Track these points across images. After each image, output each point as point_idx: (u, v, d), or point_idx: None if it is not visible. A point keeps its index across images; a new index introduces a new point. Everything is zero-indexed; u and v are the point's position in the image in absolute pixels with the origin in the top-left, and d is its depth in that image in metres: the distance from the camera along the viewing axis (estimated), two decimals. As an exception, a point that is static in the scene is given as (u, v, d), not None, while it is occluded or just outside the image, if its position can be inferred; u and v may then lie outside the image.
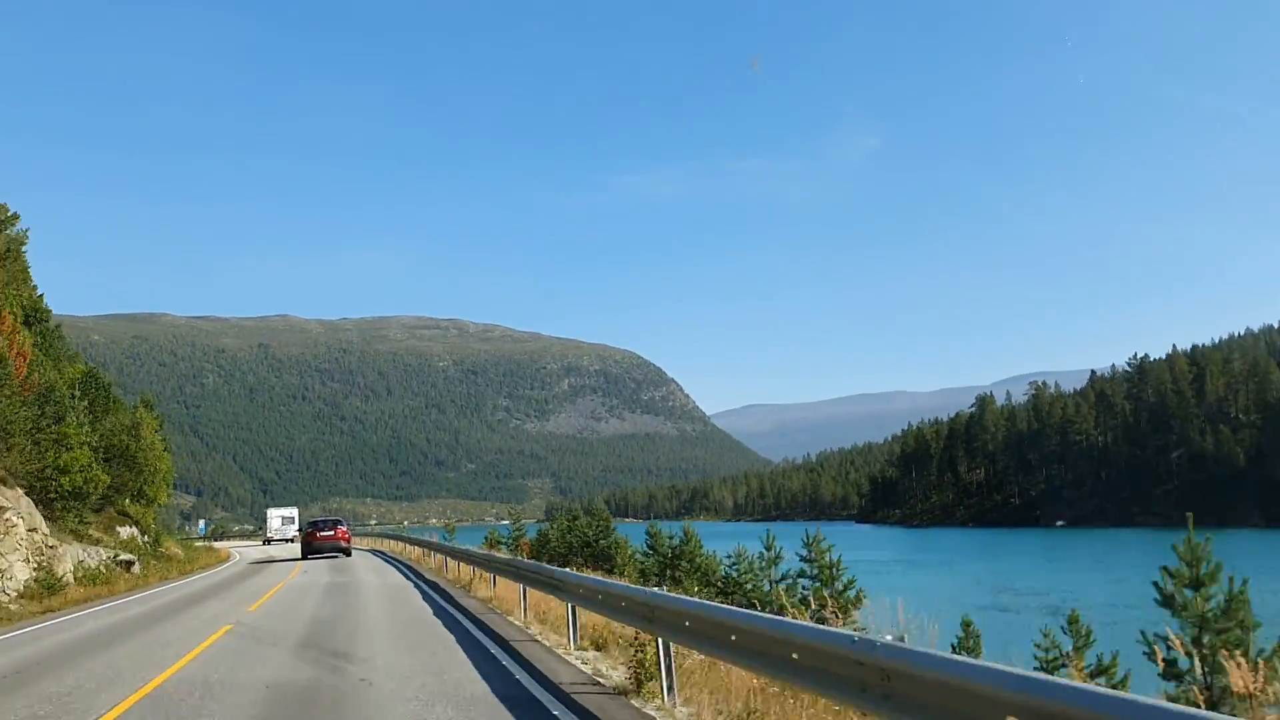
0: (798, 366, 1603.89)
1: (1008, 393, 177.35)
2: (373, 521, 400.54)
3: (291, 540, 72.01)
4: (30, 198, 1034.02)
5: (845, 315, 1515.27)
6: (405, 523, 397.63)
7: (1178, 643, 11.93)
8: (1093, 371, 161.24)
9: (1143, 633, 13.75)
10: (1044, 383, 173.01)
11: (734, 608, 7.70)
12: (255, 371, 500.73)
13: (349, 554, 41.33)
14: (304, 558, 40.40)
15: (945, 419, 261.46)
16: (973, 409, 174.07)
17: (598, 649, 12.29)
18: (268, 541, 72.65)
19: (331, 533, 40.85)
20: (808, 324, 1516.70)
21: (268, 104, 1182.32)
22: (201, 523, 72.43)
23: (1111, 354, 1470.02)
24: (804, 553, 22.79)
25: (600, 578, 13.47)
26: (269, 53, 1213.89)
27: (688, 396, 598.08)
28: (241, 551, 60.50)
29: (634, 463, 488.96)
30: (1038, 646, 17.46)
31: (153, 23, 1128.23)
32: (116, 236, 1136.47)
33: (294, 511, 77.72)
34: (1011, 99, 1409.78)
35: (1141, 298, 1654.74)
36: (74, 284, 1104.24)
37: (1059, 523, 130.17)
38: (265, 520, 77.58)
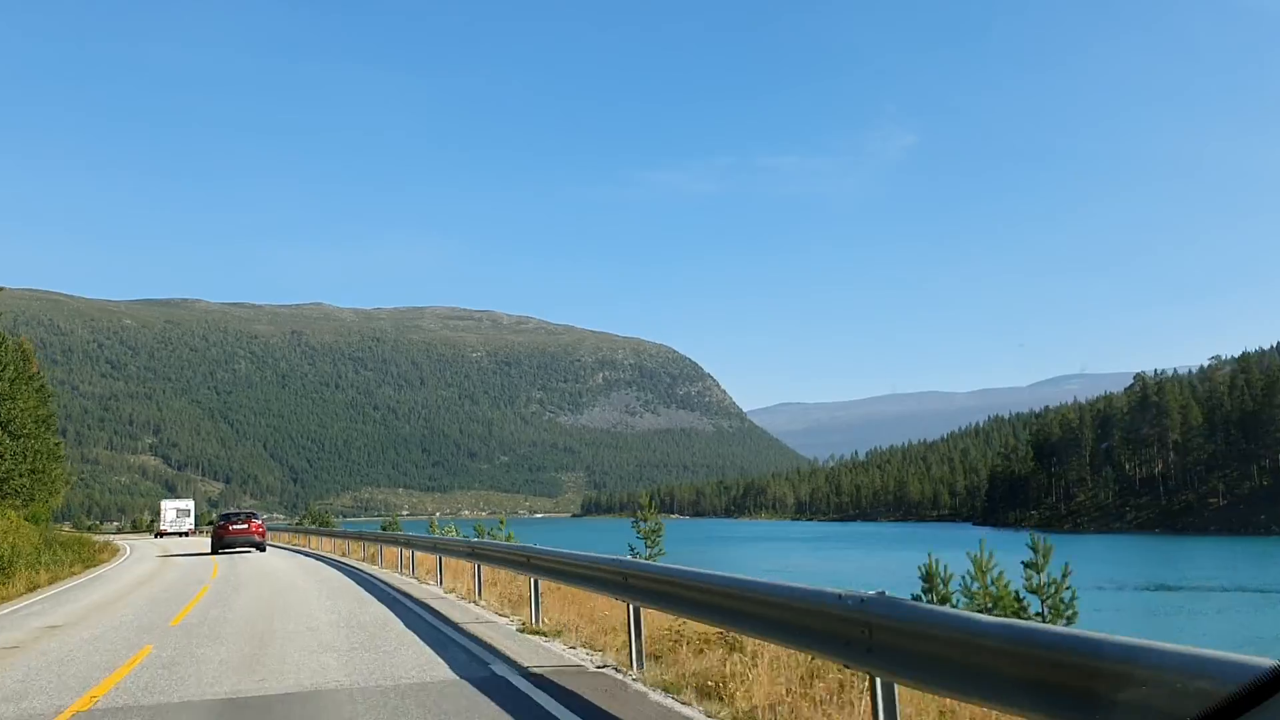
0: (831, 365, 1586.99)
1: (1147, 376, 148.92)
2: (404, 512, 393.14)
3: (186, 534, 70.26)
4: (67, 182, 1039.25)
5: (879, 313, 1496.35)
6: (437, 514, 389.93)
7: None
8: (1141, 375, 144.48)
9: None
10: (1149, 373, 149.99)
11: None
12: (288, 358, 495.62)
13: (263, 549, 39.11)
14: (214, 552, 38.24)
15: (1043, 407, 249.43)
16: (1131, 388, 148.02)
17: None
18: (159, 535, 69.81)
19: (245, 526, 39.15)
20: (842, 322, 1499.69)
21: (307, 94, 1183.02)
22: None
23: (1151, 358, 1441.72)
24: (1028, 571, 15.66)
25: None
26: (308, 42, 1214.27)
27: (724, 392, 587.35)
28: (133, 545, 54.40)
29: (669, 458, 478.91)
30: None
31: (196, 10, 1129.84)
32: (152, 222, 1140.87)
33: (190, 504, 75.76)
34: (1049, 99, 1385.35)
35: (1178, 302, 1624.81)
36: (109, 268, 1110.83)
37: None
38: (159, 511, 75.51)
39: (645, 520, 24.04)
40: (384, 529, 38.88)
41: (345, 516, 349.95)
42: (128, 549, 47.81)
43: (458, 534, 27.87)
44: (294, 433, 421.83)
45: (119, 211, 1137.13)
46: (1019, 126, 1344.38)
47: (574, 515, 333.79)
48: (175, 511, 73.55)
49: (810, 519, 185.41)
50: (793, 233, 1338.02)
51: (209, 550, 39.75)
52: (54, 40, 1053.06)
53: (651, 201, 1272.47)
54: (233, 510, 44.99)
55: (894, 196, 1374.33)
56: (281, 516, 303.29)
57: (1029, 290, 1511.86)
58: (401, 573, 23.22)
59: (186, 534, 71.70)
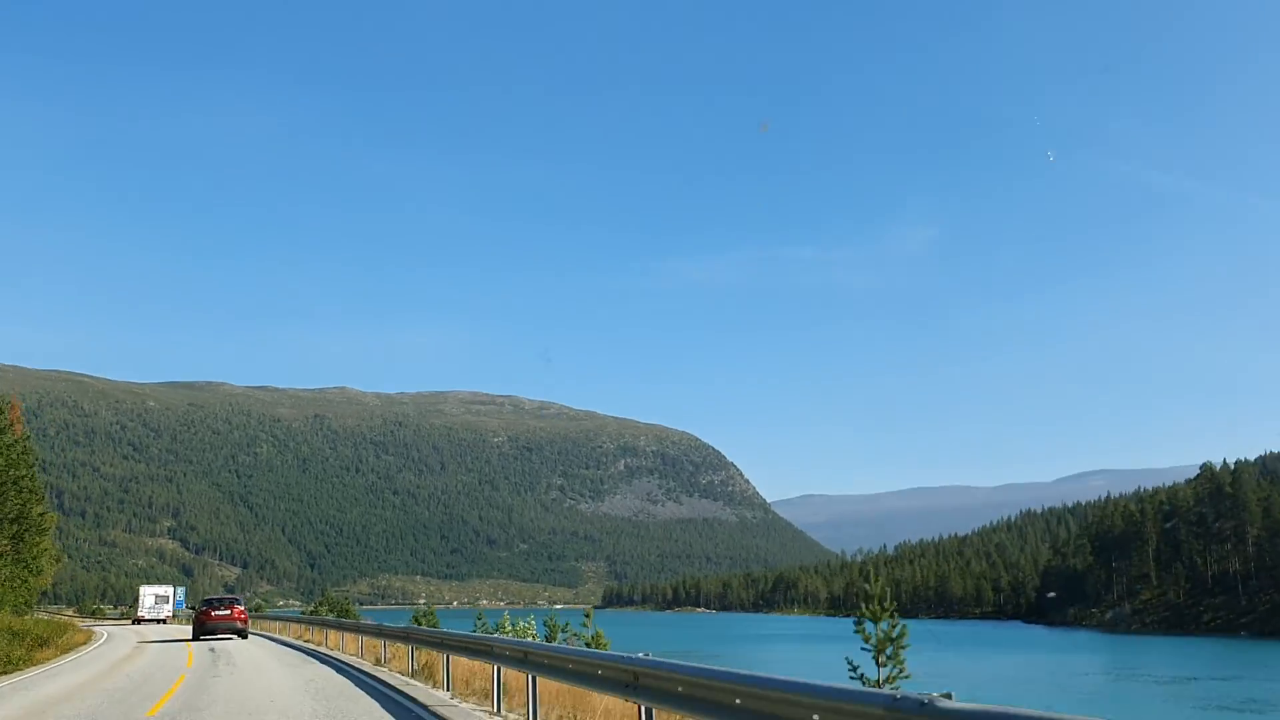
0: (854, 457, 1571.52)
1: (1214, 465, 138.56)
2: (421, 600, 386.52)
3: (164, 620, 69.53)
4: (92, 263, 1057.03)
5: (902, 406, 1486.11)
6: (454, 603, 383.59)
7: None
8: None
9: None
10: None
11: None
12: (310, 442, 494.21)
13: (244, 635, 38.94)
14: (195, 638, 37.90)
15: (1071, 502, 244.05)
16: (1195, 480, 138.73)
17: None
18: (137, 621, 68.86)
19: (227, 612, 38.76)
20: (864, 414, 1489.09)
21: (331, 180, 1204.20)
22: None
23: (1172, 454, 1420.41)
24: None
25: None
26: (330, 128, 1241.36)
27: (748, 482, 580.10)
28: (109, 632, 52.24)
29: (692, 549, 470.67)
30: None
31: (223, 95, 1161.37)
32: (177, 306, 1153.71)
33: (169, 590, 74.86)
34: (1074, 195, 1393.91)
35: (1203, 399, 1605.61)
36: (133, 351, 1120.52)
37: None
38: (139, 597, 74.30)
39: (875, 619, 16.75)
40: (416, 621, 35.18)
41: (362, 604, 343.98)
42: (104, 634, 45.57)
43: (526, 629, 24.16)
44: (313, 517, 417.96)
45: (144, 294, 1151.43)
46: (1037, 223, 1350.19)
47: (596, 607, 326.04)
48: (154, 597, 72.15)
49: (846, 615, 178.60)
50: (813, 323, 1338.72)
51: (189, 637, 38.96)
52: (83, 119, 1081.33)
53: (671, 290, 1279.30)
54: (215, 596, 43.24)
55: (915, 289, 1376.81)
56: (297, 603, 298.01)
57: (1052, 385, 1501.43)
58: (450, 691, 16.76)
59: (164, 620, 70.59)
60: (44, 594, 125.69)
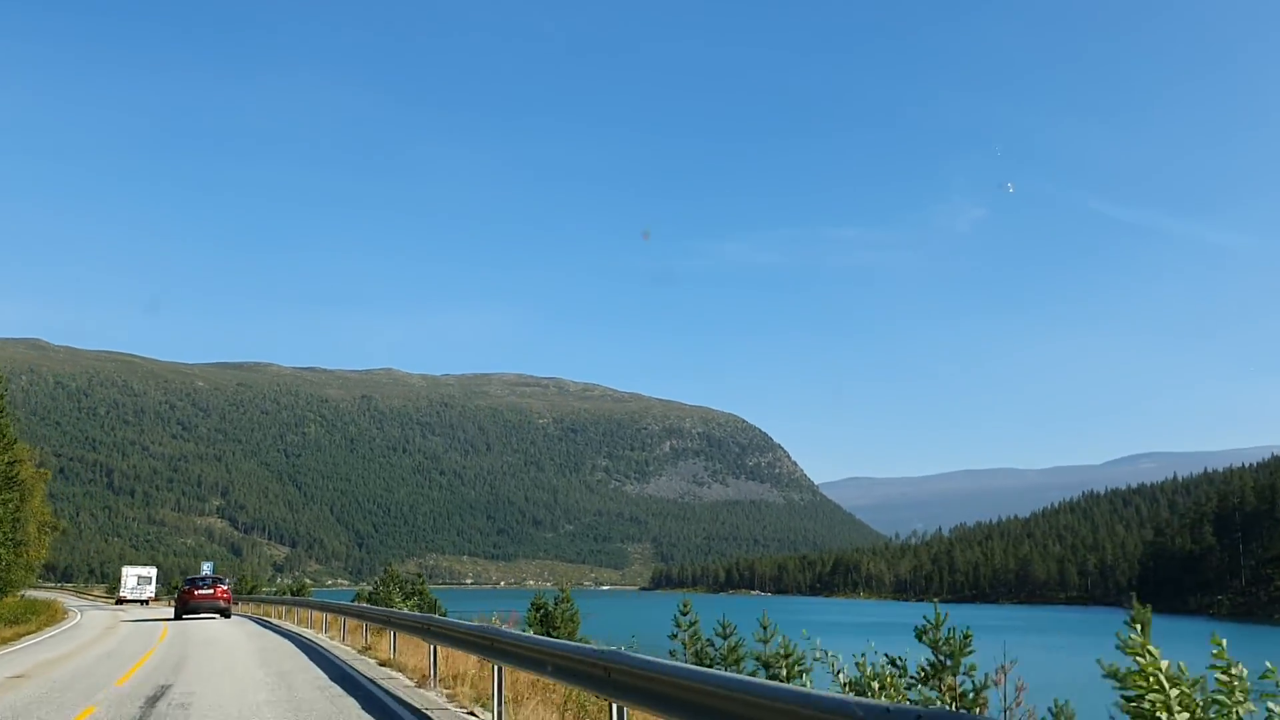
0: (900, 439, 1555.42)
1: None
2: (468, 580, 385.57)
3: (147, 602, 70.00)
4: (146, 246, 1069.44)
5: (949, 387, 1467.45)
6: (501, 583, 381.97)
7: None
8: None
9: None
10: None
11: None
12: (357, 423, 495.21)
13: (228, 615, 38.20)
14: (178, 618, 36.90)
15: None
16: None
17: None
18: (120, 601, 69.12)
19: (211, 591, 38.18)
20: (910, 395, 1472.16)
21: (379, 168, 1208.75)
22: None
23: (1226, 438, 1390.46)
24: None
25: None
26: (379, 116, 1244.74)
27: (795, 464, 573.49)
28: (87, 613, 50.85)
29: (739, 531, 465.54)
30: None
31: (273, 88, 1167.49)
32: (227, 288, 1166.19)
33: (152, 571, 75.52)
34: (1115, 171, 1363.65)
35: (1257, 382, 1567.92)
36: (183, 332, 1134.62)
37: None
38: (122, 577, 75.11)
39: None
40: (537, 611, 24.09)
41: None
42: (77, 615, 44.52)
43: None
44: (361, 497, 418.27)
45: (195, 277, 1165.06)
46: (1085, 202, 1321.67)
47: (642, 589, 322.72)
48: (136, 578, 72.72)
49: (913, 599, 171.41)
50: (858, 304, 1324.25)
51: (170, 617, 37.96)
52: (134, 108, 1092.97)
53: (715, 271, 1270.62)
54: (199, 575, 44.49)
55: (962, 270, 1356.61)
56: (346, 583, 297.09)
57: (1102, 366, 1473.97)
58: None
59: (146, 601, 70.90)
60: (50, 569, 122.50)
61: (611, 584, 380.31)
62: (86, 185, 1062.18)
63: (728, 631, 11.45)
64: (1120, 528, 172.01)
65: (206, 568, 53.43)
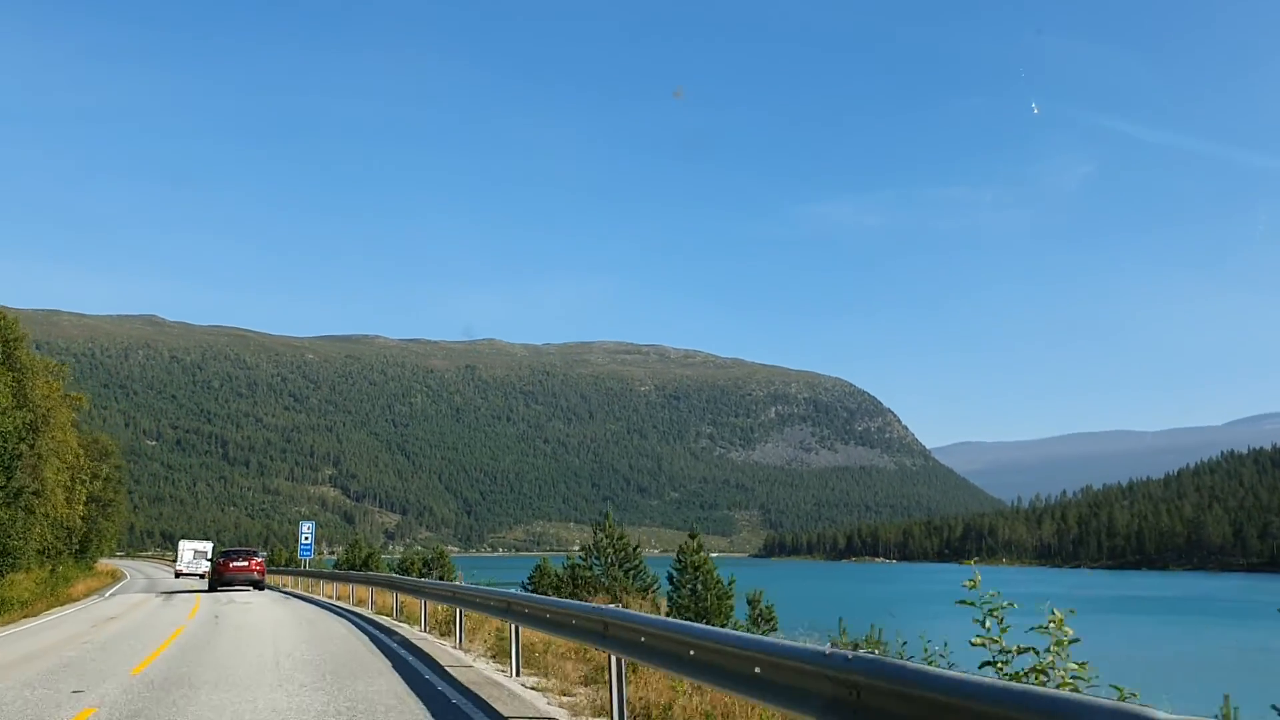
0: (1010, 402, 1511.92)
1: None
2: (575, 547, 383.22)
3: (203, 576, 68.41)
4: (257, 224, 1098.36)
5: (1060, 348, 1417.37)
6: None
7: None
8: None
9: None
10: None
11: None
12: (462, 392, 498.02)
13: (261, 587, 38.35)
14: (212, 589, 37.51)
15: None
16: None
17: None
18: (179, 574, 69.34)
19: (245, 563, 38.28)
20: (1020, 357, 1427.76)
21: (480, 142, 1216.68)
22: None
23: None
24: None
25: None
26: (483, 93, 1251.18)
27: (906, 428, 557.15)
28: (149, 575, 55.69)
29: (849, 497, 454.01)
30: None
31: (376, 63, 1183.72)
32: (336, 263, 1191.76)
33: (208, 546, 75.42)
34: (1233, 113, 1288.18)
35: None
36: (293, 307, 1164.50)
37: None
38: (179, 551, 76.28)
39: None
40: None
41: (517, 550, 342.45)
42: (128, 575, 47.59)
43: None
44: (467, 465, 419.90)
45: (305, 252, 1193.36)
46: (1202, 151, 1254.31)
47: (753, 556, 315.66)
48: (192, 553, 73.18)
49: (1060, 564, 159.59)
50: (963, 265, 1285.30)
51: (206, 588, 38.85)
52: (247, 92, 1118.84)
53: (816, 235, 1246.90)
54: (234, 548, 45.20)
55: (1070, 227, 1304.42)
56: (456, 549, 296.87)
57: (1220, 323, 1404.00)
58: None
59: (203, 575, 71.22)
60: (167, 537, 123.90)
61: (720, 551, 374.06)
62: (198, 165, 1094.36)
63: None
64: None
65: (306, 528, 47.91)
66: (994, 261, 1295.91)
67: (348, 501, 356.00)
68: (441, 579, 38.23)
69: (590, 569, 28.85)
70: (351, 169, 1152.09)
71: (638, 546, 30.94)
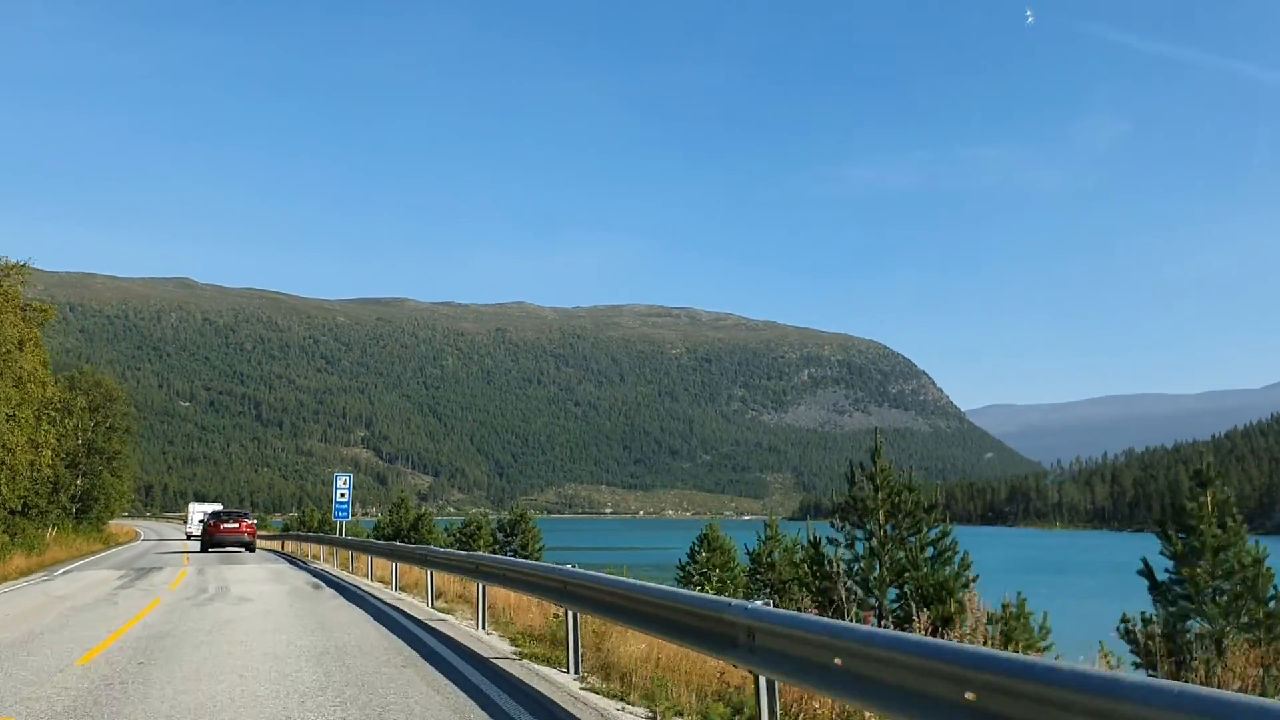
0: (1041, 364, 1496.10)
1: None
2: (608, 510, 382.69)
3: None
4: (289, 187, 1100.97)
5: (1093, 310, 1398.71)
6: (640, 513, 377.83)
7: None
8: None
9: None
10: None
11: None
12: (492, 355, 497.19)
13: (252, 549, 38.31)
14: (204, 550, 37.64)
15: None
16: None
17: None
18: (189, 536, 69.66)
19: (235, 525, 38.68)
20: (1053, 319, 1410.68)
21: (509, 106, 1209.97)
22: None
23: None
24: None
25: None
26: (510, 59, 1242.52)
27: (940, 390, 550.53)
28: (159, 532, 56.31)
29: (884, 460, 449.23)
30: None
31: (406, 32, 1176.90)
32: (367, 227, 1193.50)
33: (218, 509, 69.21)
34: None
35: None
36: (325, 270, 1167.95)
37: None
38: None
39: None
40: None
41: (550, 513, 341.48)
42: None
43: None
44: (499, 428, 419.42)
45: (337, 216, 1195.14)
46: (1241, 106, 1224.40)
47: (788, 519, 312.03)
48: (202, 514, 71.04)
49: (1118, 528, 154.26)
50: (997, 225, 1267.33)
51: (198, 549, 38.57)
52: (282, 57, 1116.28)
53: (849, 197, 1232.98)
54: (225, 510, 44.94)
55: (1106, 187, 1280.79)
56: (489, 511, 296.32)
57: (1258, 284, 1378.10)
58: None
59: None
60: (200, 498, 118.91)
61: (753, 514, 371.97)
62: (231, 129, 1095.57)
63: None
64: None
65: (342, 481, 44.22)
66: (1029, 222, 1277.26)
67: (380, 463, 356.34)
68: (526, 553, 32.86)
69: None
70: (383, 133, 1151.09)
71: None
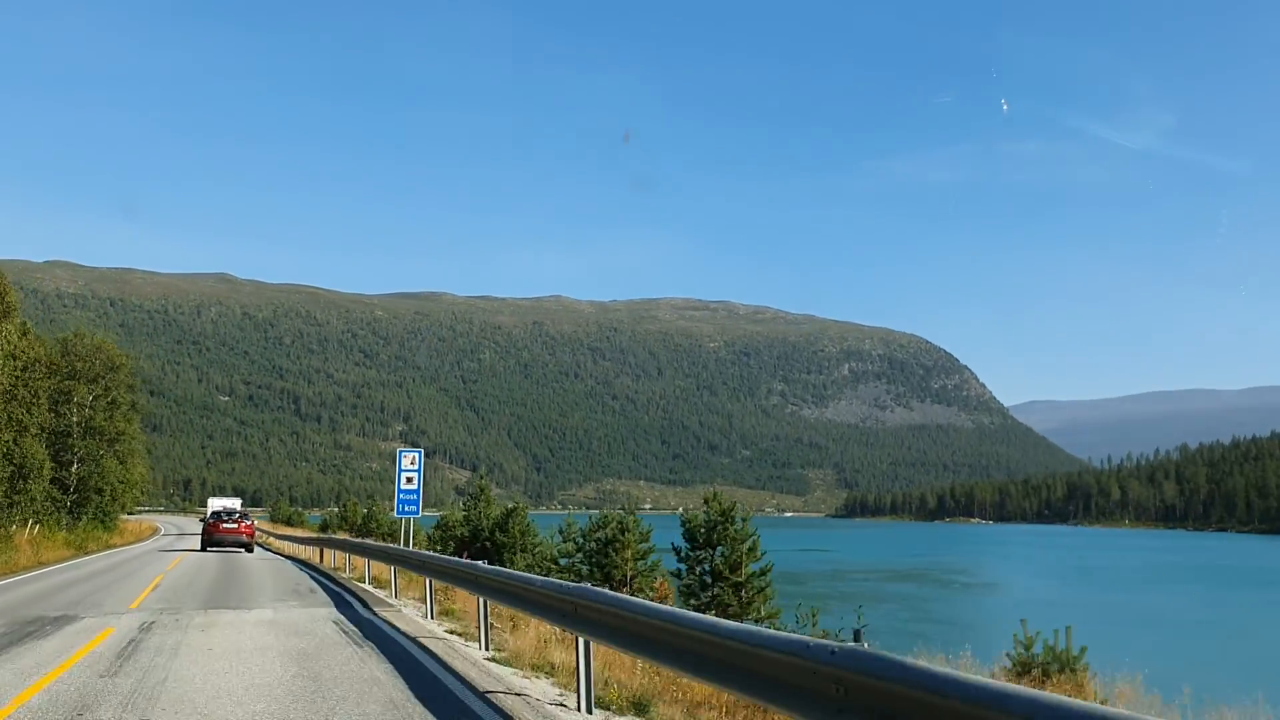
0: (1083, 360, 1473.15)
1: None
2: (647, 505, 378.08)
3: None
4: (328, 184, 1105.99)
5: (1136, 304, 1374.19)
6: (680, 509, 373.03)
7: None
8: None
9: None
10: None
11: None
12: (530, 349, 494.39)
13: (250, 550, 37.72)
14: (203, 549, 37.18)
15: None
16: None
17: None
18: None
19: (235, 526, 38.09)
20: (1094, 314, 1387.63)
21: (544, 102, 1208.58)
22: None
23: None
24: None
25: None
26: (545, 54, 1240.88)
27: (983, 386, 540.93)
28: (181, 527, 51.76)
29: (927, 456, 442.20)
30: None
31: (442, 26, 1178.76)
32: (404, 222, 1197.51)
33: (236, 503, 70.86)
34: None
35: None
36: (363, 265, 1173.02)
37: None
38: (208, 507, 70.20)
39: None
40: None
41: (587, 509, 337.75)
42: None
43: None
44: (536, 422, 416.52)
45: (375, 211, 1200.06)
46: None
47: (833, 515, 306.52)
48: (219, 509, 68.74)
49: (1194, 528, 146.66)
50: (1038, 221, 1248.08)
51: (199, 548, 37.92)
52: (320, 52, 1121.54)
53: (890, 190, 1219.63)
54: (225, 510, 42.20)
55: (1150, 180, 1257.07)
56: (530, 506, 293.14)
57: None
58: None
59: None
60: (240, 493, 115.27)
61: (795, 511, 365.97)
62: (268, 124, 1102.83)
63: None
64: None
65: (409, 459, 40.24)
66: (1068, 216, 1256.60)
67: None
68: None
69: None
70: (419, 127, 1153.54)
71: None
